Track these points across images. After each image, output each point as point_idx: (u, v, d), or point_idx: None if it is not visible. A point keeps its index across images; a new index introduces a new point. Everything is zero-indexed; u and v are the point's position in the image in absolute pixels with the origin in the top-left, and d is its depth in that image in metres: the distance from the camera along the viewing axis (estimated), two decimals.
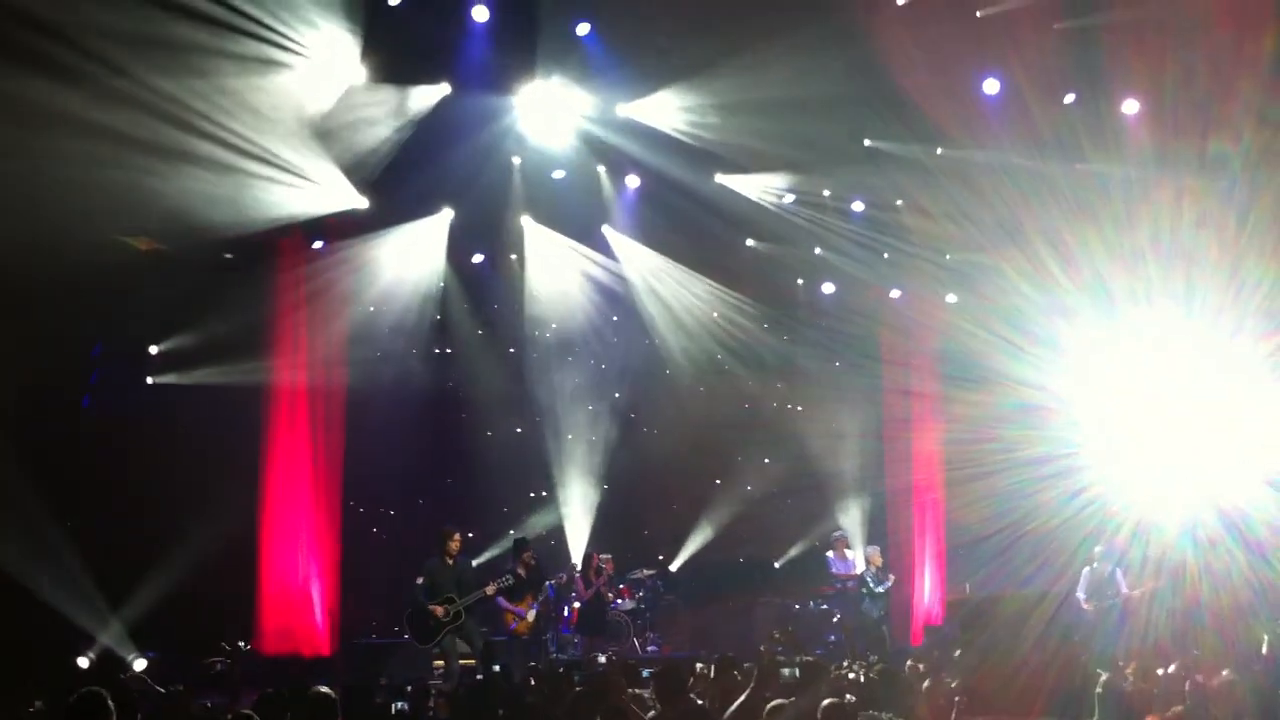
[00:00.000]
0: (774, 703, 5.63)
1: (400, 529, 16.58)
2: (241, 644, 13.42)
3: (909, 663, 9.51)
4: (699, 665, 9.10)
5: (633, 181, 15.57)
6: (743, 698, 5.77)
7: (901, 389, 17.61)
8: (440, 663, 12.79)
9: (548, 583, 14.77)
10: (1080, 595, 14.32)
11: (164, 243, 12.52)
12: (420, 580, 12.82)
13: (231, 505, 13.60)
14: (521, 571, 13.97)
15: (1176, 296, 14.94)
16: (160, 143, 11.41)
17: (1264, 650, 9.77)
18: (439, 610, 12.44)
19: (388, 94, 13.17)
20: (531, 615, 13.88)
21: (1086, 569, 14.39)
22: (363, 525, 16.01)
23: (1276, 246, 13.69)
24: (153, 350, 14.49)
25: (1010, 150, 14.21)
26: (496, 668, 11.32)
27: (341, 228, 14.78)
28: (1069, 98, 13.66)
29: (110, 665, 11.30)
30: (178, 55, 10.94)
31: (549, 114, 13.95)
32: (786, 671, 6.64)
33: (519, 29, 12.74)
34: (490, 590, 12.93)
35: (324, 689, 6.55)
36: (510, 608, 13.77)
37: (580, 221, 16.16)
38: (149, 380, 14.27)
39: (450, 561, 12.85)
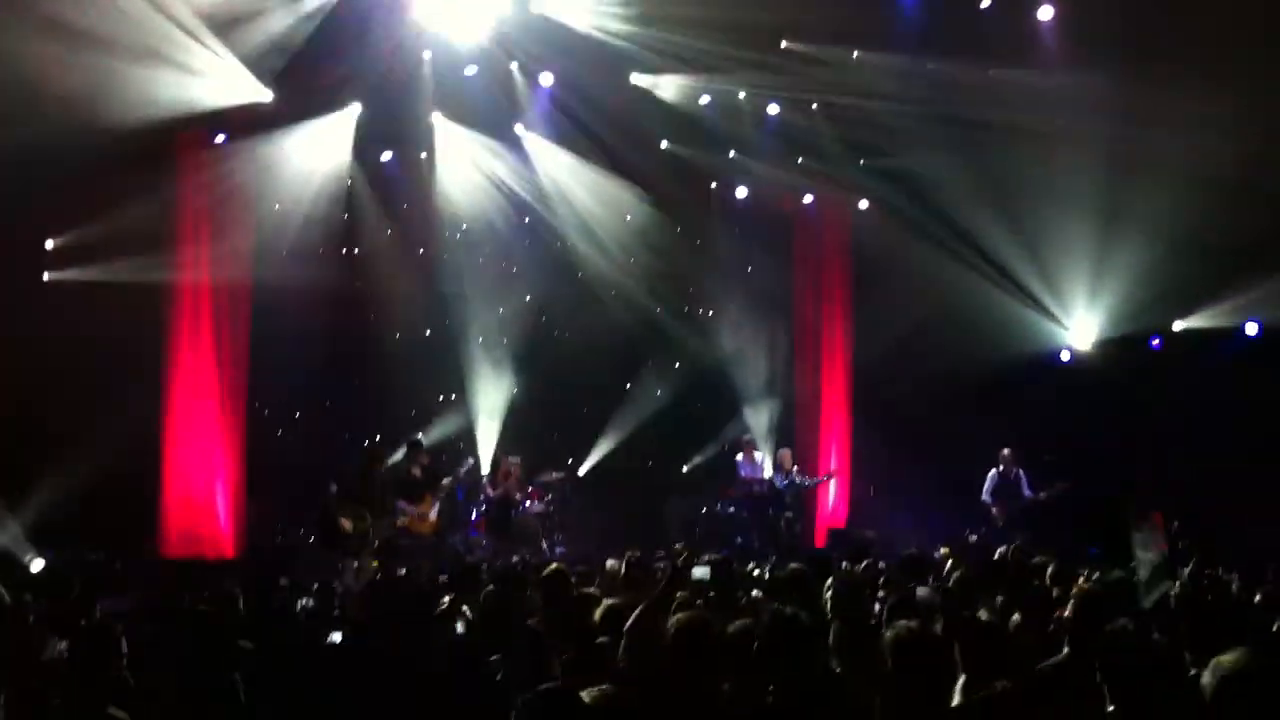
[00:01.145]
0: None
1: (305, 432, 16.33)
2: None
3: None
4: (609, 562, 9.11)
5: (546, 79, 15.26)
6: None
7: (812, 295, 17.75)
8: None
9: (449, 480, 14.64)
10: (985, 498, 14.67)
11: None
12: (334, 489, 12.72)
13: (133, 406, 13.30)
14: (417, 471, 13.94)
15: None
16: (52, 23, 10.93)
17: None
18: (347, 524, 12.37)
19: None
20: (433, 514, 13.86)
21: (993, 471, 14.73)
22: (267, 428, 15.73)
23: None
24: (49, 245, 13.96)
25: (925, 55, 14.18)
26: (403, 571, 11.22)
27: (245, 122, 14.33)
28: (985, 1, 13.63)
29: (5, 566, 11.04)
30: None
31: (460, 7, 13.61)
32: (698, 572, 6.62)
33: None
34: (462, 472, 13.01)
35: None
36: (409, 509, 13.72)
37: (492, 120, 15.84)
38: (45, 276, 13.74)
39: (417, 471, 12.85)
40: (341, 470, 12.85)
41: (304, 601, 9.14)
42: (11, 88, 11.05)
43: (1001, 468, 14.76)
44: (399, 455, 14.73)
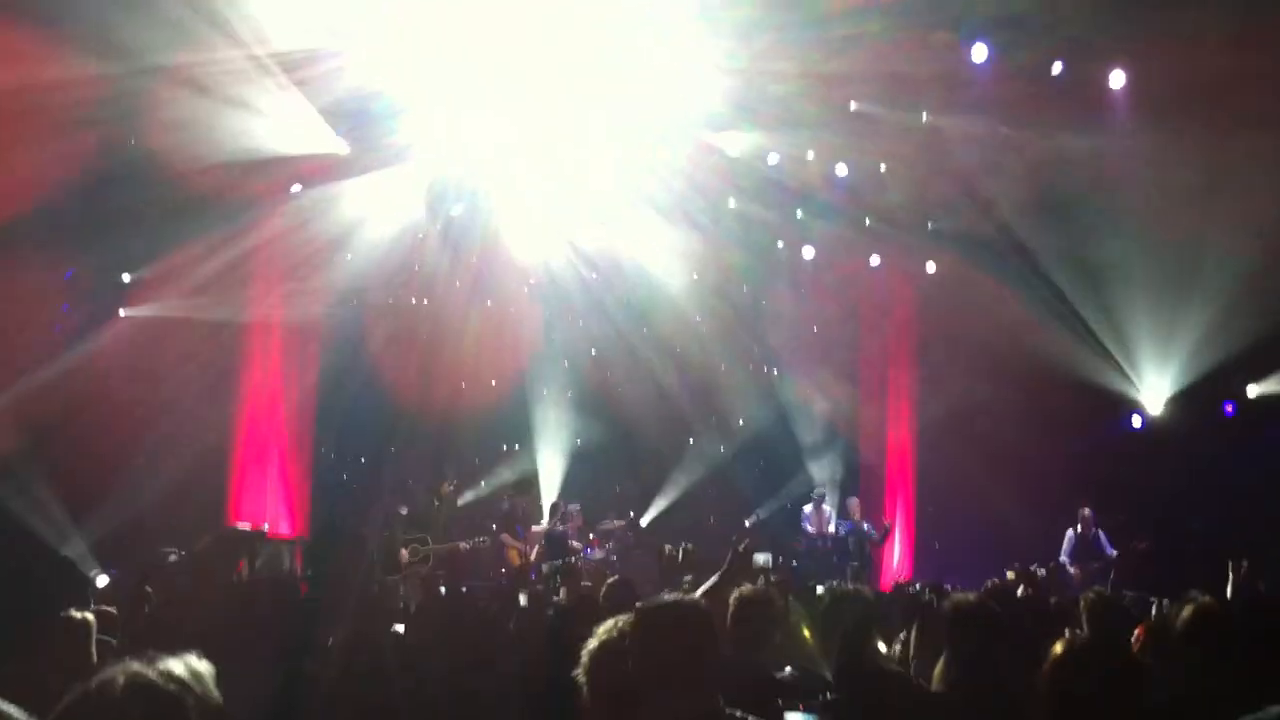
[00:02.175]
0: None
1: (369, 477, 16.51)
2: None
3: None
4: (667, 547, 9.11)
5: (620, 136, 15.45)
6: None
7: (879, 354, 17.75)
8: None
9: (518, 531, 14.75)
10: (1064, 558, 14.38)
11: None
12: (404, 510, 12.83)
13: (203, 441, 13.54)
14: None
15: None
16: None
17: None
18: (405, 553, 12.45)
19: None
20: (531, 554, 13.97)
21: (1070, 531, 14.47)
22: (332, 472, 15.92)
23: None
24: (126, 279, 14.25)
25: (996, 119, 14.22)
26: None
27: (321, 172, 14.68)
28: (1056, 67, 13.65)
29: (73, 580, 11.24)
30: None
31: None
32: (760, 559, 6.71)
33: None
34: (466, 546, 12.99)
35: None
36: (513, 543, 13.83)
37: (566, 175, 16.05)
38: (121, 312, 14.06)
39: (436, 501, 12.89)
40: (409, 493, 12.97)
41: None
42: (110, 119, 11.43)
43: (1080, 528, 14.48)
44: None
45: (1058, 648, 3.98)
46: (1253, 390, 15.21)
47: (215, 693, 2.40)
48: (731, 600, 5.04)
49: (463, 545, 13.04)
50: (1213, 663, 5.00)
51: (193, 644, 2.42)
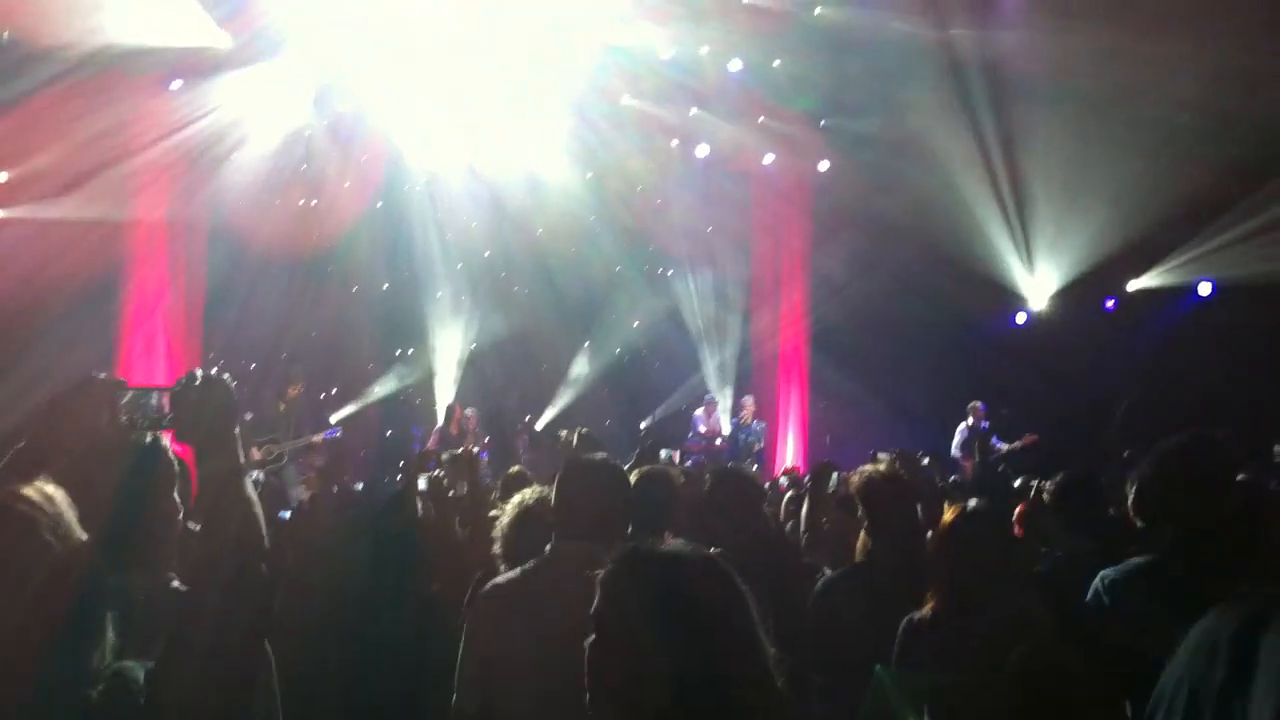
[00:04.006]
0: None
1: (258, 383, 16.20)
2: None
3: None
4: (563, 432, 9.08)
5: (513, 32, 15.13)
6: None
7: (771, 252, 17.81)
8: None
9: (414, 431, 14.65)
10: (955, 452, 14.69)
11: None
12: (248, 415, 12.64)
13: (85, 345, 13.13)
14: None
15: None
16: None
17: None
18: (256, 451, 12.25)
19: None
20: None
21: (962, 424, 14.77)
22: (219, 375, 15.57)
23: None
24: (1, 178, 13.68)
25: (887, 12, 14.19)
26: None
27: (201, 66, 14.17)
28: None
29: None
30: None
31: None
32: (664, 454, 6.76)
33: None
34: (318, 439, 12.85)
35: None
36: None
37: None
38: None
39: (283, 405, 12.68)
40: (257, 400, 12.81)
41: None
42: None
43: (971, 420, 14.80)
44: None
45: (948, 514, 4.08)
46: (1132, 285, 15.61)
47: (69, 513, 2.33)
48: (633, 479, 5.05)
49: (315, 439, 12.89)
50: (1079, 524, 5.19)
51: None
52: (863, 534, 4.86)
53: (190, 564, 2.60)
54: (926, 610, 3.98)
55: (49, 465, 2.63)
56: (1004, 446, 14.61)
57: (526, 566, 3.82)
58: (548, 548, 3.83)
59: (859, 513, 4.81)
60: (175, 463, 3.14)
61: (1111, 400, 14.61)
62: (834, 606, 4.54)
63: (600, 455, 4.24)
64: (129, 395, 2.84)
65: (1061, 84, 13.90)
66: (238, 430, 2.65)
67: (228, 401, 2.64)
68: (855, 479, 4.87)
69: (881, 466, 4.97)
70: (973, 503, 4.21)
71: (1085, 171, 14.51)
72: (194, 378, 2.67)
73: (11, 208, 13.44)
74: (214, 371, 2.71)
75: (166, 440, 3.03)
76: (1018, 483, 8.55)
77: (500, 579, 3.86)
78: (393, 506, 6.68)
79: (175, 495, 3.11)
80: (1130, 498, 3.90)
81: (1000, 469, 14.07)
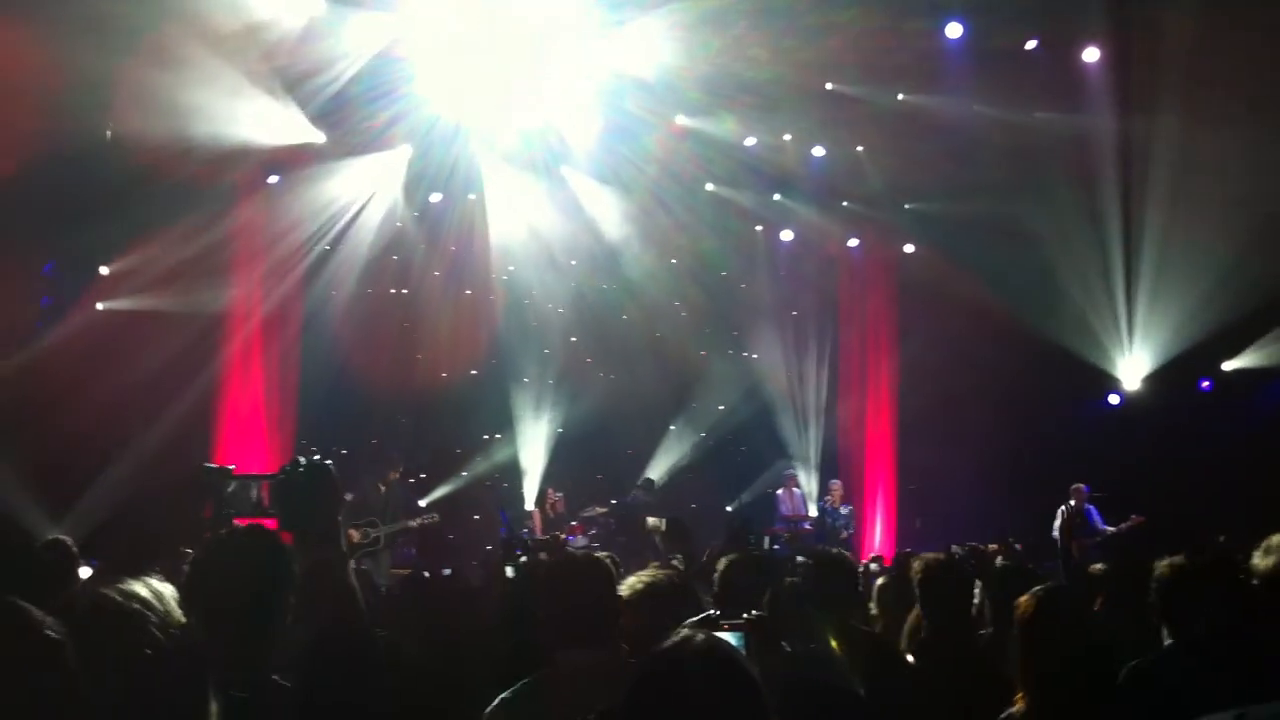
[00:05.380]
0: None
1: (350, 469, 16.40)
2: None
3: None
4: (649, 520, 9.09)
5: (594, 122, 15.43)
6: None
7: (858, 336, 17.79)
8: None
9: (502, 515, 14.76)
10: (1055, 534, 14.35)
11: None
12: (349, 496, 12.77)
13: (183, 434, 13.43)
14: None
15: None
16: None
17: None
18: (355, 534, 12.36)
19: (348, 23, 13.03)
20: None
21: (1062, 507, 14.45)
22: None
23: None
24: (104, 271, 14.11)
25: (970, 97, 14.26)
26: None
27: (298, 161, 14.62)
28: (1031, 44, 13.71)
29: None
30: None
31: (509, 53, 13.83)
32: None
33: None
34: (415, 524, 12.96)
35: None
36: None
37: (541, 162, 16.00)
38: (99, 305, 13.95)
39: (383, 488, 12.81)
40: (357, 483, 12.98)
41: None
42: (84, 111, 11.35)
43: (1073, 503, 14.45)
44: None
45: (1024, 598, 4.02)
46: (1228, 366, 15.32)
47: (177, 611, 2.39)
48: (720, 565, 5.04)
49: (411, 524, 13.00)
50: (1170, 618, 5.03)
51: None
52: (915, 611, 4.90)
53: (293, 653, 2.65)
54: (1017, 709, 3.88)
55: (159, 559, 2.71)
56: (1109, 529, 14.26)
57: (526, 683, 3.60)
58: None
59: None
60: (293, 561, 3.08)
61: (1209, 482, 14.27)
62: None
63: (585, 553, 4.07)
64: (232, 485, 2.92)
65: (1153, 168, 13.85)
66: (341, 517, 2.70)
67: (332, 489, 2.70)
68: (915, 564, 4.91)
69: (941, 555, 5.03)
70: (1048, 586, 4.13)
71: (1184, 252, 14.35)
72: (298, 464, 2.73)
73: (114, 299, 13.89)
74: (316, 458, 2.77)
75: (283, 539, 3.02)
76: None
77: (496, 704, 3.58)
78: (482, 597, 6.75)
79: (291, 596, 3.06)
80: None
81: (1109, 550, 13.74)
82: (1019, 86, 13.92)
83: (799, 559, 6.26)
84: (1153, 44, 13.05)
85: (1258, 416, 14.62)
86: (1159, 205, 14.39)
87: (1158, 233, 14.64)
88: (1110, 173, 14.52)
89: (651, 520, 8.95)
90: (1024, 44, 13.76)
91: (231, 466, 2.99)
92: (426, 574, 10.62)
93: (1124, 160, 14.34)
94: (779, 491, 16.31)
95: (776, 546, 16.09)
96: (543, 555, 7.75)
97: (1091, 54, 13.87)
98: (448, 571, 10.98)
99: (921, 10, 13.35)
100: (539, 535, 15.13)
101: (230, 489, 2.95)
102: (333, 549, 2.58)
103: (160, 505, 3.07)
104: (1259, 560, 3.70)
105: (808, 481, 17.00)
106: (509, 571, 7.22)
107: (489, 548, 14.43)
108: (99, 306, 13.89)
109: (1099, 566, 7.41)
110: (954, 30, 13.62)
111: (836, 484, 16.27)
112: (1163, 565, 4.45)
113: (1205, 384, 15.87)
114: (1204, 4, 12.32)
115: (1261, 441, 13.97)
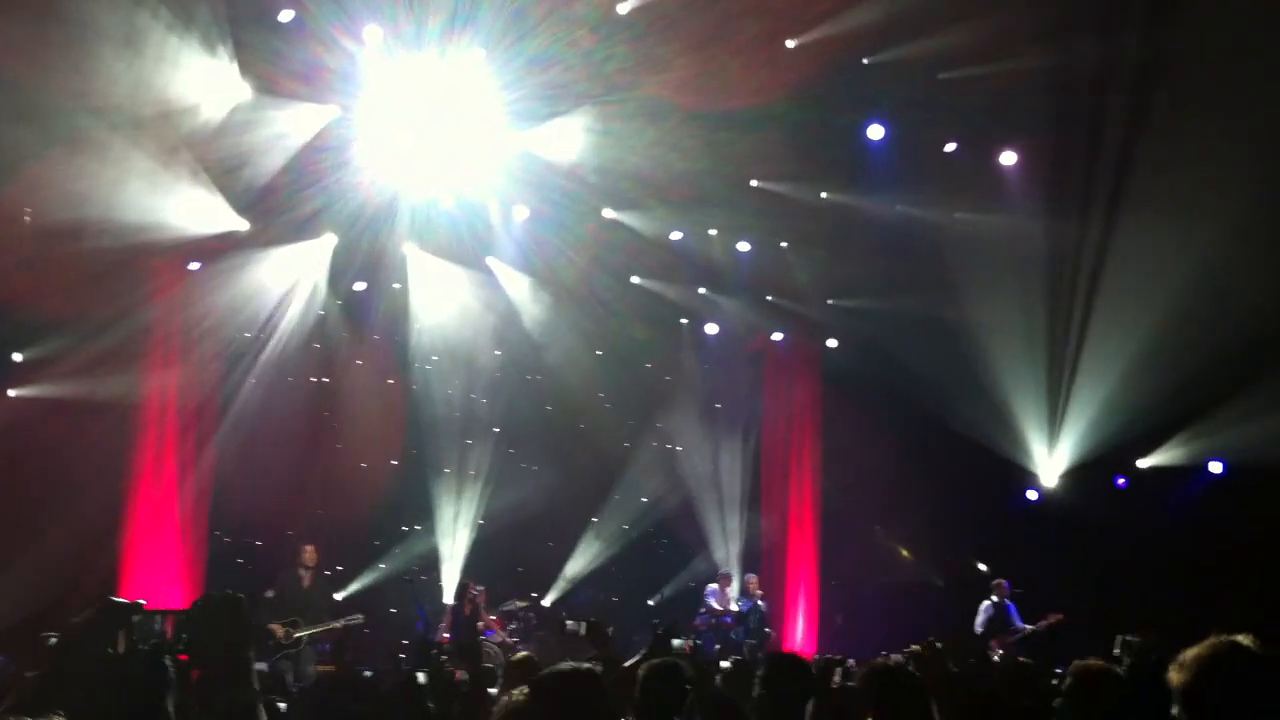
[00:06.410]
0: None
1: (266, 561, 16.05)
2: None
3: None
4: (569, 622, 8.93)
5: (521, 213, 15.48)
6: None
7: (782, 428, 17.86)
8: None
9: (419, 610, 14.45)
10: (978, 629, 14.39)
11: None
12: (270, 593, 12.48)
13: (93, 524, 13.07)
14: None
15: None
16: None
17: None
18: (279, 630, 12.07)
19: (274, 113, 12.99)
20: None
21: (986, 602, 14.51)
22: (227, 555, 15.45)
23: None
24: (16, 358, 13.79)
25: (893, 197, 14.55)
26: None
27: (219, 249, 14.44)
28: (950, 146, 14.03)
29: None
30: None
31: (438, 143, 13.87)
32: (677, 642, 6.60)
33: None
34: (339, 625, 12.69)
35: None
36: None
37: (466, 252, 15.98)
38: (10, 393, 13.59)
39: (305, 584, 12.56)
40: (281, 579, 12.71)
41: None
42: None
43: (996, 599, 14.53)
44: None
45: None
46: (1143, 463, 15.59)
47: None
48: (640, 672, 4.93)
49: (336, 625, 12.75)
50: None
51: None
52: None
53: None
54: None
55: (68, 697, 2.58)
56: (1027, 627, 14.30)
57: None
58: None
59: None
60: (173, 674, 2.99)
61: (1121, 579, 14.47)
62: None
63: (571, 665, 3.99)
64: (139, 619, 2.80)
65: (1073, 266, 14.18)
66: (252, 655, 2.61)
67: (243, 629, 2.60)
68: (861, 673, 4.82)
69: (889, 660, 4.92)
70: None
71: (1102, 350, 14.64)
72: (210, 601, 2.63)
73: (25, 387, 13.54)
74: (228, 593, 2.67)
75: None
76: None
77: None
78: (394, 701, 6.58)
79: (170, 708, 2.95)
80: None
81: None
82: (940, 186, 14.22)
83: (723, 664, 6.18)
84: (1070, 145, 13.42)
85: (1171, 513, 14.85)
86: (1079, 303, 14.70)
87: (1077, 330, 14.94)
88: (1032, 271, 14.80)
89: (570, 624, 8.82)
90: (943, 146, 14.06)
91: (142, 601, 2.86)
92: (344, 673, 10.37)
93: (1046, 258, 14.64)
94: (711, 586, 16.23)
95: (698, 640, 15.98)
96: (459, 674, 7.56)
97: (1009, 157, 14.19)
98: (368, 673, 10.67)
99: (845, 108, 13.62)
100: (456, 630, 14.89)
101: (136, 620, 2.82)
102: (244, 692, 2.47)
103: (68, 642, 2.92)
104: (1174, 675, 3.71)
105: (738, 578, 16.89)
106: (420, 678, 7.02)
107: (406, 643, 14.10)
108: (10, 394, 13.53)
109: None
110: (875, 132, 13.90)
111: (752, 577, 16.22)
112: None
113: (1120, 481, 16.12)
114: (1123, 107, 12.69)
115: (1175, 538, 14.20)
